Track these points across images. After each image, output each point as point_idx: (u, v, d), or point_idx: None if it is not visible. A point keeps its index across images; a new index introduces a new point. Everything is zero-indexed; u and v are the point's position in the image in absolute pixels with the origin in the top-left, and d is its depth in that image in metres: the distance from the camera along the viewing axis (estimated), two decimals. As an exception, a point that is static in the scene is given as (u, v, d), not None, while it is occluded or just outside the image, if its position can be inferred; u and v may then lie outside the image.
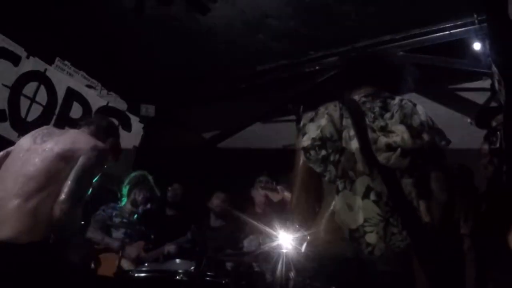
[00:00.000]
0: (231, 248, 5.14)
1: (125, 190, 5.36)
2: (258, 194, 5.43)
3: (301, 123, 2.37)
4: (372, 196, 2.10)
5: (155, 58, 6.68)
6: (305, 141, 2.26)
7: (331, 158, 2.20)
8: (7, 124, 6.50)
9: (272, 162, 6.07)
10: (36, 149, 2.98)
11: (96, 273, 4.18)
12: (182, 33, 6.02)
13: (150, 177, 5.43)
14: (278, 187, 4.84)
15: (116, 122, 6.36)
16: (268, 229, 4.95)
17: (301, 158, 2.30)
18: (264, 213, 5.26)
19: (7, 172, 2.96)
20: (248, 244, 5.17)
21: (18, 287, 2.71)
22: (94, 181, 3.11)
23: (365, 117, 2.24)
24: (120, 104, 7.36)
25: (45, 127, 3.31)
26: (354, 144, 2.17)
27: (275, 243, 4.74)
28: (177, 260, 4.27)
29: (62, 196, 2.82)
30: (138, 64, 6.79)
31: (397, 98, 2.36)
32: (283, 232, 4.13)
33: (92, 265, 4.37)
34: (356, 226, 2.06)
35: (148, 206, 5.15)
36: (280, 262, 4.61)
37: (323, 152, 2.21)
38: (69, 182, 2.89)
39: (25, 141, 3.11)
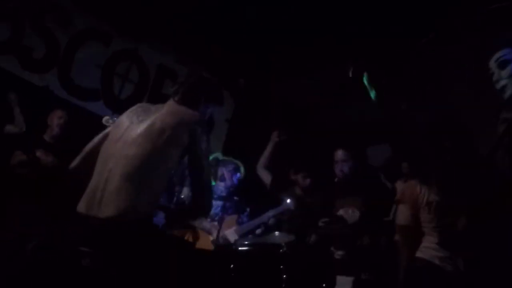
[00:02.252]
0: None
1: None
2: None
3: None
4: None
5: (244, 30, 6.55)
6: None
7: None
8: (101, 102, 6.69)
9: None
10: (135, 128, 2.91)
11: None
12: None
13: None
14: None
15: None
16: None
17: None
18: None
19: (107, 153, 2.92)
20: (345, 213, 4.99)
21: (125, 264, 2.70)
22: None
23: None
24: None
25: (139, 104, 3.20)
26: None
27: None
28: (276, 233, 4.15)
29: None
30: (227, 38, 6.69)
31: None
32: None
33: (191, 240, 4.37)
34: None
35: (238, 175, 5.08)
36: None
37: None
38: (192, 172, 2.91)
39: (122, 121, 3.06)
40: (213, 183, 5.35)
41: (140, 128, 2.89)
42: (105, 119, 3.79)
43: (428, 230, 3.86)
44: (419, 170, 4.34)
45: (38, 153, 5.37)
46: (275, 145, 6.01)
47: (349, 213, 4.90)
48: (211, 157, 5.29)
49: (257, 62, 7.13)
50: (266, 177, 5.81)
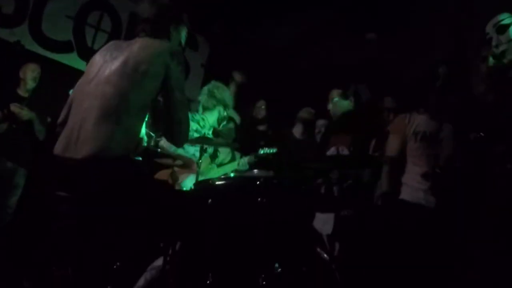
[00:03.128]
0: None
1: (200, 102, 5.13)
2: None
3: None
4: None
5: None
6: None
7: None
8: (74, 54, 6.63)
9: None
10: (109, 66, 2.86)
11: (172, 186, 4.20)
12: None
13: (224, 88, 5.20)
14: None
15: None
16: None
17: None
18: None
19: (82, 93, 2.87)
20: (335, 151, 5.06)
21: (103, 206, 2.69)
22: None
23: None
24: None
25: (111, 42, 3.13)
26: None
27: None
28: (255, 170, 4.17)
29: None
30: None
31: None
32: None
33: (170, 180, 4.37)
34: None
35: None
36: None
37: None
38: (169, 105, 2.89)
39: (95, 60, 3.00)
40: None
41: (115, 64, 2.82)
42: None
43: (414, 160, 3.94)
44: (407, 102, 4.40)
45: (13, 108, 5.32)
46: (238, 86, 6.10)
47: (339, 150, 4.97)
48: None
49: (230, 6, 7.03)
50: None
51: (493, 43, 3.54)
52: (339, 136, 5.08)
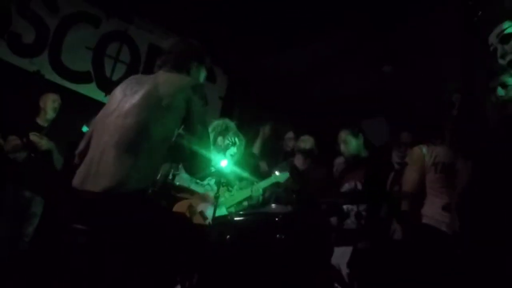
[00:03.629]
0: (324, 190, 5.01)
1: (211, 137, 5.17)
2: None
3: None
4: None
5: (232, 7, 6.50)
6: None
7: None
8: (93, 85, 6.70)
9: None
10: (129, 99, 2.87)
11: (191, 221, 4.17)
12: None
13: (232, 124, 5.26)
14: None
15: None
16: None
17: None
18: None
19: (102, 126, 2.88)
20: (350, 187, 5.02)
21: (121, 240, 2.67)
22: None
23: None
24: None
25: (131, 76, 3.16)
26: None
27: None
28: (273, 205, 4.15)
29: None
30: (216, 16, 6.65)
31: None
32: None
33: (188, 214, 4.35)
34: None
35: (233, 150, 5.03)
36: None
37: None
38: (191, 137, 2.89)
39: (115, 94, 3.02)
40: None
41: (135, 98, 2.84)
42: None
43: (434, 191, 3.88)
44: (423, 134, 4.36)
45: (32, 137, 5.36)
46: (266, 139, 6.09)
47: (353, 186, 4.94)
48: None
49: (247, 38, 7.07)
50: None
51: (498, 54, 3.47)
52: (354, 172, 5.05)
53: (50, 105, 5.68)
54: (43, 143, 5.43)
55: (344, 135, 5.17)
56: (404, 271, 3.75)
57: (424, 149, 4.05)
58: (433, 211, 3.88)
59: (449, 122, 4.09)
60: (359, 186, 4.90)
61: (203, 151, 2.96)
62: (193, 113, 2.88)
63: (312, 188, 5.19)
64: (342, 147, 5.18)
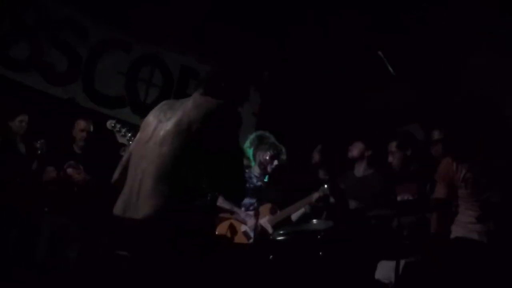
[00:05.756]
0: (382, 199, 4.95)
1: (250, 153, 5.20)
2: None
3: None
4: None
5: (264, 25, 6.53)
6: None
7: None
8: (127, 109, 6.77)
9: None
10: (163, 127, 2.90)
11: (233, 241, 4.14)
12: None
13: (269, 135, 5.24)
14: None
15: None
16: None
17: None
18: None
19: (139, 155, 2.91)
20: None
21: (164, 266, 2.70)
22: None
23: None
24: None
25: (164, 102, 3.18)
26: None
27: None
28: (314, 220, 4.08)
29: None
30: (247, 34, 6.70)
31: None
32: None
33: (228, 234, 4.33)
34: None
35: (275, 163, 5.00)
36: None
37: None
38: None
39: (149, 121, 3.04)
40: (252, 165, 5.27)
41: (169, 125, 2.87)
42: (109, 122, 3.79)
43: (466, 205, 3.80)
44: (454, 147, 4.28)
45: (69, 170, 5.46)
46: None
47: (404, 198, 4.91)
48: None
49: (279, 54, 7.07)
50: None
51: None
52: (403, 185, 4.99)
53: (79, 135, 5.79)
54: (80, 177, 5.52)
55: (393, 147, 5.14)
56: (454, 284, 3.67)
57: (454, 163, 3.96)
58: (465, 220, 3.80)
59: (480, 136, 3.99)
60: (410, 198, 4.85)
61: (236, 177, 2.96)
62: (221, 134, 2.87)
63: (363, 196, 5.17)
64: (391, 159, 5.14)
